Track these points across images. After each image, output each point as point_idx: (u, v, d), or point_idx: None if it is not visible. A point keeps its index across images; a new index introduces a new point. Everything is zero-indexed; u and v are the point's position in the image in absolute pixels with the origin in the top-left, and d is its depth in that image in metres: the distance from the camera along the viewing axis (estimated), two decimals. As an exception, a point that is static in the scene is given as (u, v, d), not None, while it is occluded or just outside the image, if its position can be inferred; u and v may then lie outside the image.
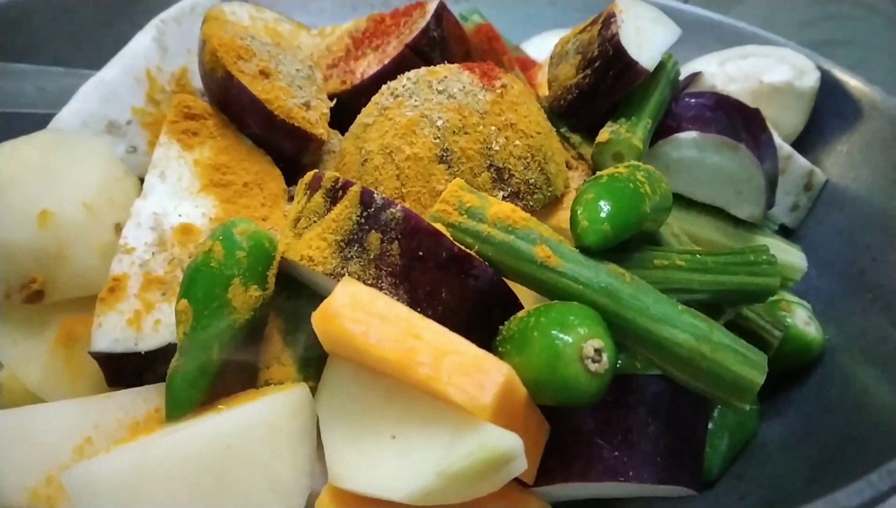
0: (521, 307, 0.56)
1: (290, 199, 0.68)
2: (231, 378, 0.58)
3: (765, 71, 0.94)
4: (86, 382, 0.63)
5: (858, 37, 1.22)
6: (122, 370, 0.59)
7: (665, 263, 0.60)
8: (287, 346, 0.60)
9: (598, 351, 0.48)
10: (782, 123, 0.93)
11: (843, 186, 0.89)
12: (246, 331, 0.56)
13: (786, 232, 0.91)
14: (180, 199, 0.63)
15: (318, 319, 0.49)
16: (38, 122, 0.75)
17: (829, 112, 0.94)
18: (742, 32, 1.08)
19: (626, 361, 0.63)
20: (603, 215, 0.55)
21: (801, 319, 0.77)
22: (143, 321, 0.58)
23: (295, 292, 0.62)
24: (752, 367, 0.54)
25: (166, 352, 0.57)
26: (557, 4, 1.28)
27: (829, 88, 0.93)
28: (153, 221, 0.62)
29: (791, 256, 0.82)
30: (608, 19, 0.72)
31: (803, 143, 0.94)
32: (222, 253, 0.54)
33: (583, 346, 0.48)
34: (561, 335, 0.49)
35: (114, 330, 0.58)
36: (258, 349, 0.60)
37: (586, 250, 0.55)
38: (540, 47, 1.15)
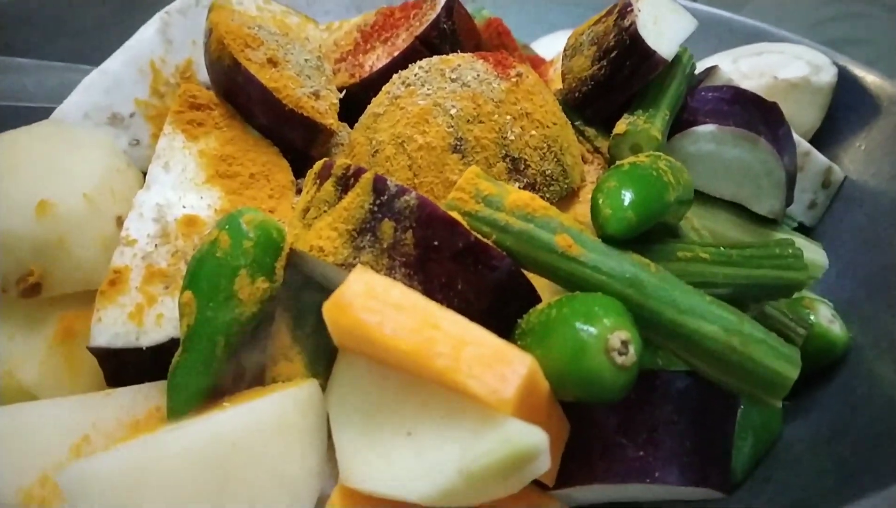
0: (540, 300, 0.53)
1: (299, 191, 0.66)
2: (236, 375, 0.55)
3: (780, 67, 0.93)
4: (84, 380, 0.60)
5: (872, 35, 1.20)
6: (123, 367, 0.56)
7: (689, 255, 0.57)
8: (295, 341, 0.58)
9: (624, 343, 0.46)
10: (798, 120, 0.91)
11: (861, 183, 0.87)
12: (252, 325, 0.53)
13: (804, 231, 0.88)
14: (185, 190, 0.61)
15: (330, 309, 0.46)
16: (39, 116, 0.72)
17: (845, 108, 0.92)
18: (754, 30, 1.06)
19: (647, 356, 0.60)
20: (626, 202, 0.53)
21: (825, 317, 0.74)
22: (144, 314, 0.56)
23: (303, 287, 0.60)
24: (785, 361, 0.52)
25: (169, 347, 0.55)
26: (566, 4, 1.27)
27: (845, 84, 0.91)
28: (156, 212, 0.60)
29: (812, 253, 0.80)
30: (624, 9, 0.70)
31: (820, 140, 0.92)
32: (228, 243, 0.52)
33: (608, 338, 0.46)
34: (585, 327, 0.46)
35: (114, 324, 0.55)
36: (265, 344, 0.57)
37: (609, 240, 0.53)
38: (548, 48, 1.14)
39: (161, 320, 0.56)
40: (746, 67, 0.94)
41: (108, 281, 0.56)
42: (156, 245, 0.58)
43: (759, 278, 0.59)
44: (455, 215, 0.52)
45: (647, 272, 0.52)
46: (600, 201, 0.54)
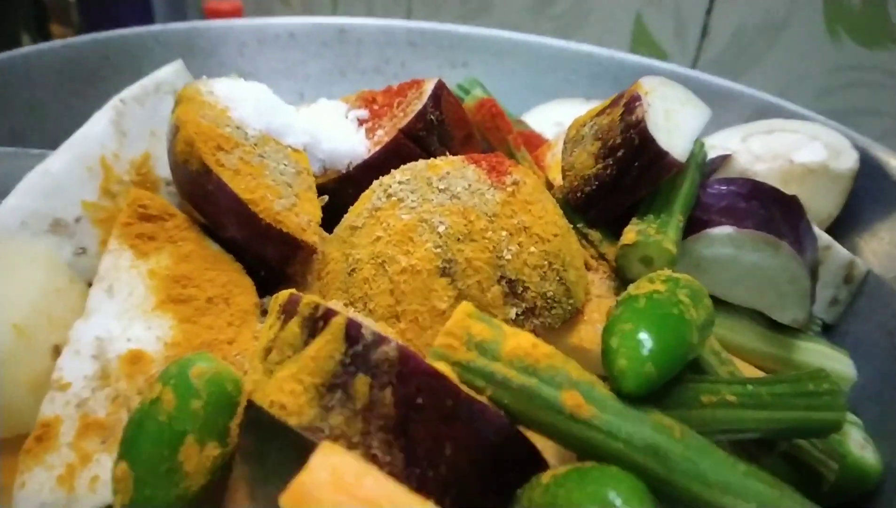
0: (545, 465, 0.45)
1: (264, 313, 0.58)
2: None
3: (795, 149, 0.86)
4: (11, 542, 0.51)
5: (882, 106, 1.14)
6: (52, 537, 0.48)
7: (713, 399, 0.50)
8: (255, 502, 0.49)
9: (647, 541, 0.38)
10: (816, 208, 0.84)
11: (888, 279, 0.80)
12: (202, 498, 0.45)
13: (824, 329, 0.81)
14: (130, 319, 0.53)
15: (288, 503, 0.38)
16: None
17: (866, 195, 0.85)
18: (762, 103, 1.00)
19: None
20: (645, 352, 0.45)
21: (856, 442, 0.66)
22: (77, 477, 0.47)
23: (266, 431, 0.51)
24: (833, 544, 0.43)
25: (105, 517, 0.46)
26: (559, 72, 1.20)
27: (867, 169, 0.84)
28: (96, 348, 0.51)
29: (838, 363, 0.72)
30: (632, 103, 0.63)
31: (838, 229, 0.85)
32: (174, 404, 0.43)
33: (629, 536, 0.38)
34: (601, 521, 0.38)
35: (40, 491, 0.47)
36: (220, 506, 0.49)
37: (625, 396, 0.45)
38: (542, 119, 1.07)
39: (96, 483, 0.47)
40: (758, 148, 0.88)
41: (34, 437, 0.48)
42: (93, 389, 0.50)
43: (792, 420, 0.51)
44: (443, 366, 0.44)
45: (669, 438, 0.44)
46: (614, 348, 0.46)
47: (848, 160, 0.83)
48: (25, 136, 0.90)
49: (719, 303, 0.69)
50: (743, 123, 0.93)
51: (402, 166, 0.59)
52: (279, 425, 0.51)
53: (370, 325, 0.45)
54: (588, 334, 0.58)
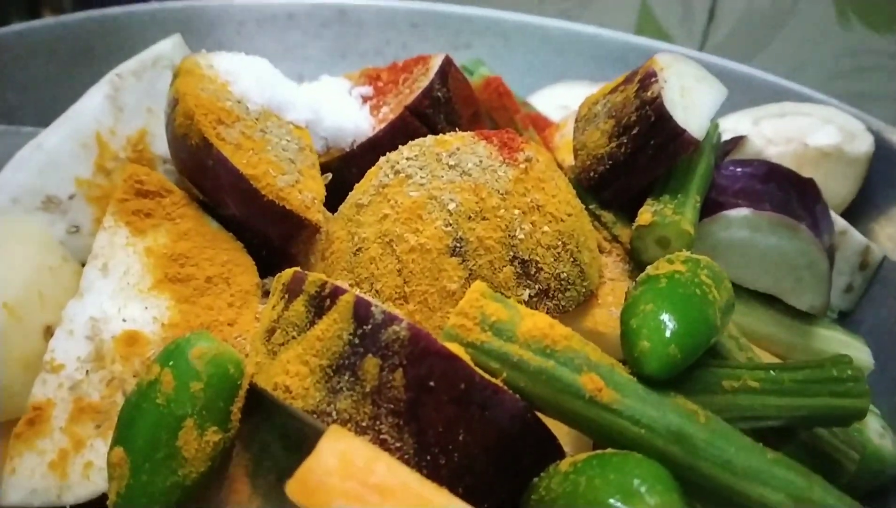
0: (562, 453, 0.43)
1: (266, 294, 0.55)
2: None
3: (809, 133, 0.84)
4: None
5: (894, 90, 1.12)
6: (44, 525, 0.46)
7: (735, 385, 0.48)
8: (256, 491, 0.47)
9: (674, 531, 0.36)
10: (830, 193, 0.81)
11: (903, 265, 0.78)
12: (201, 485, 0.42)
13: (839, 317, 0.79)
14: (126, 298, 0.50)
15: (295, 490, 0.36)
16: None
17: (881, 179, 0.83)
18: (775, 87, 0.98)
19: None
20: (668, 334, 0.43)
21: (875, 431, 0.64)
22: (69, 463, 0.45)
23: (267, 418, 0.49)
24: (864, 535, 0.42)
25: (99, 504, 0.44)
26: (564, 54, 1.18)
27: (882, 152, 0.82)
28: (90, 328, 0.49)
29: (855, 351, 0.70)
30: (647, 79, 0.61)
31: (853, 215, 0.83)
32: (172, 385, 0.41)
33: (654, 525, 0.36)
34: (624, 509, 0.36)
35: (31, 478, 0.44)
36: (218, 495, 0.46)
37: (647, 380, 0.43)
38: (548, 101, 1.05)
39: (90, 470, 0.45)
40: (770, 131, 0.85)
41: (25, 420, 0.46)
42: (87, 372, 0.47)
43: (815, 407, 0.49)
44: (455, 347, 0.42)
45: (694, 424, 0.42)
46: (635, 329, 0.44)
47: (863, 144, 0.81)
48: (18, 115, 0.88)
49: (734, 289, 0.67)
50: (753, 107, 0.91)
51: (410, 142, 0.56)
52: (283, 410, 0.49)
53: (380, 304, 0.43)
54: (603, 317, 0.56)
